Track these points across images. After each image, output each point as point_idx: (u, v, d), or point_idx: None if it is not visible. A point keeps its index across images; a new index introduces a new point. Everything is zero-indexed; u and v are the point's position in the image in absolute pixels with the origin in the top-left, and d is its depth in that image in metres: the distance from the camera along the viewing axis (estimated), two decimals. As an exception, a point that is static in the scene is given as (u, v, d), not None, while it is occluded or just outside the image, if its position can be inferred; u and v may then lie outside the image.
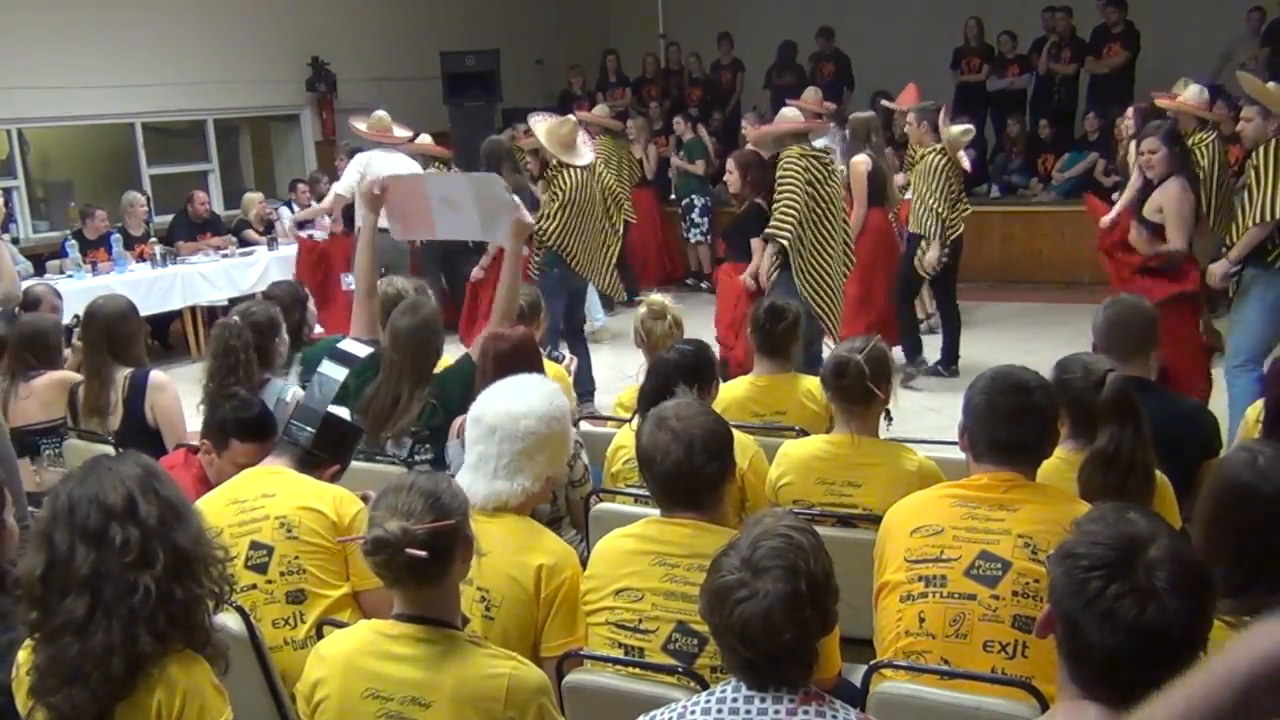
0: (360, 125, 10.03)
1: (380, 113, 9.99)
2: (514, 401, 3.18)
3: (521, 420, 3.13)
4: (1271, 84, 6.37)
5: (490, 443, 3.14)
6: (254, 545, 3.32)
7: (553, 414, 3.20)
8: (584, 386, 8.11)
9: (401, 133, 10.02)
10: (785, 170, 7.21)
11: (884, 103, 10.48)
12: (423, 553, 2.43)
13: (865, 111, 9.44)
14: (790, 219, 7.12)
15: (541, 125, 8.21)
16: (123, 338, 5.09)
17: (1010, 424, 2.99)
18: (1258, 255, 6.14)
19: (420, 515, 2.47)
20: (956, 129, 8.46)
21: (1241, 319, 6.26)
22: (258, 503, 3.39)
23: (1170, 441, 3.79)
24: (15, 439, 5.14)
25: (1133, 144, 7.97)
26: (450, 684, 2.45)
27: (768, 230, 7.21)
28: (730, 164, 7.75)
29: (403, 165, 9.66)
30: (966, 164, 8.70)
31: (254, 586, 3.28)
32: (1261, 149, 6.13)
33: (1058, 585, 1.90)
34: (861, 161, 8.52)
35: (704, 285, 12.45)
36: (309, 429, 3.67)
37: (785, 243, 7.14)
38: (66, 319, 6.51)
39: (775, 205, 7.21)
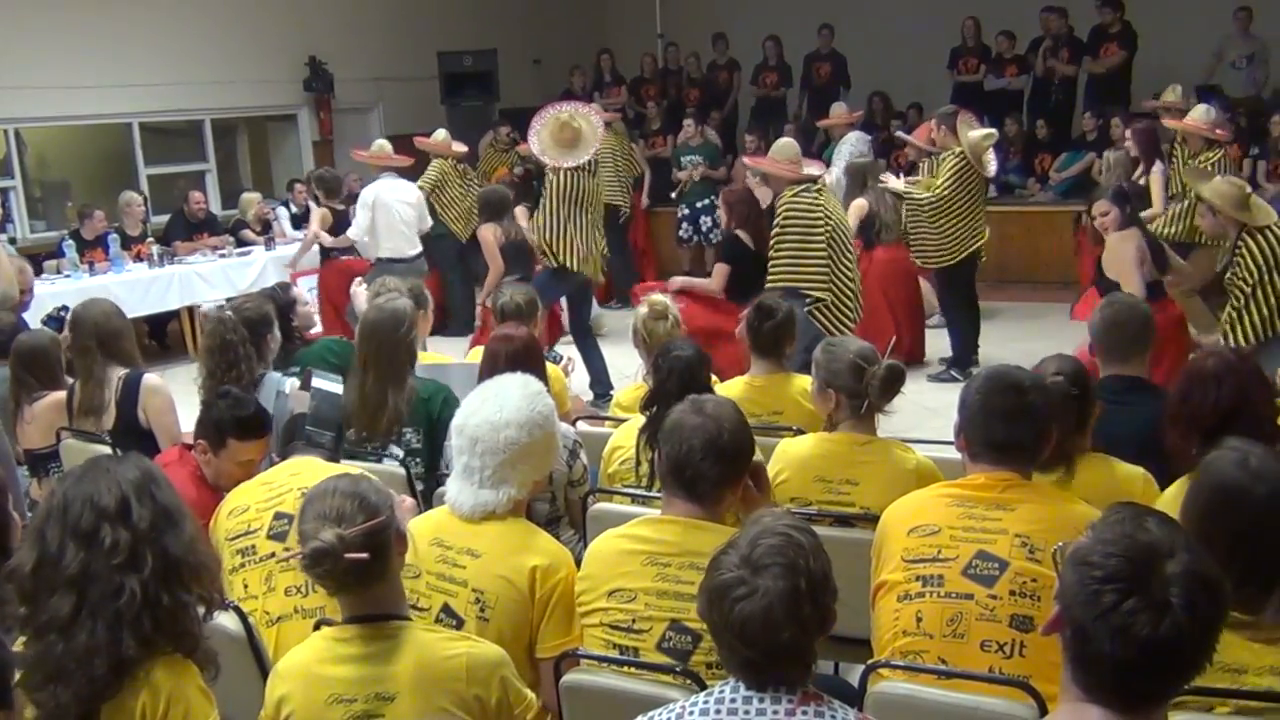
0: (362, 154, 10.12)
1: (380, 141, 10.06)
2: (495, 411, 3.15)
3: (502, 431, 3.11)
4: (1215, 179, 6.41)
5: (473, 454, 3.13)
6: (277, 515, 3.41)
7: (534, 421, 3.17)
8: (603, 386, 8.15)
9: (400, 159, 10.10)
10: (786, 216, 7.24)
11: (897, 135, 10.66)
12: (365, 555, 2.44)
13: (860, 159, 9.58)
14: (807, 264, 7.16)
15: (543, 133, 8.14)
16: (111, 334, 5.03)
17: (1006, 424, 2.99)
18: None
19: (351, 517, 2.48)
20: (977, 133, 8.50)
21: None
22: (285, 480, 3.53)
23: (1164, 441, 3.81)
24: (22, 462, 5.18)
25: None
26: (410, 672, 2.48)
27: (776, 283, 7.13)
28: (719, 200, 8.02)
29: (406, 192, 9.72)
30: (991, 169, 8.73)
31: (272, 555, 3.35)
32: (1241, 260, 6.01)
33: (1069, 591, 1.87)
34: (859, 206, 8.77)
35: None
36: (329, 433, 3.79)
37: (811, 290, 7.15)
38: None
39: (778, 252, 7.23)
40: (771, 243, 7.30)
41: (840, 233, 7.39)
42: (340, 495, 2.52)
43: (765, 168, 7.73)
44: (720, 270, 7.41)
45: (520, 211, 9.52)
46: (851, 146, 11.12)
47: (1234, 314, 6.00)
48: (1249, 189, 6.27)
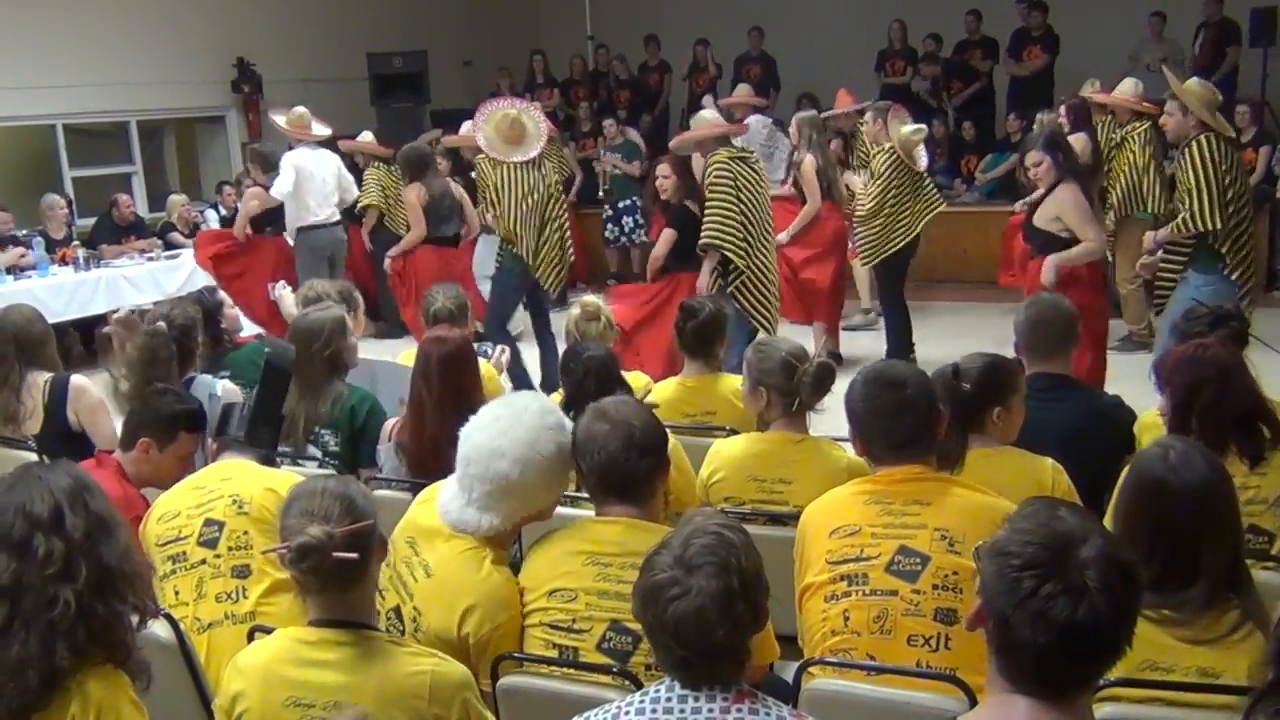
0: (280, 119, 9.99)
1: (299, 109, 9.94)
2: (494, 437, 2.99)
3: (494, 461, 2.94)
4: (1193, 80, 6.46)
5: (465, 473, 3.01)
6: (207, 522, 3.38)
7: (529, 459, 2.95)
8: (551, 380, 8.10)
9: (319, 130, 9.97)
10: (718, 176, 7.18)
11: (822, 115, 10.68)
12: (354, 554, 2.42)
13: (806, 111, 9.59)
14: (729, 226, 7.12)
15: (486, 127, 8.07)
16: (34, 341, 4.96)
17: (895, 420, 3.05)
18: (1206, 261, 6.25)
19: (339, 518, 2.46)
20: (907, 129, 8.62)
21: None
22: (217, 485, 3.48)
23: (1090, 437, 3.88)
24: None
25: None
26: (373, 685, 2.45)
27: (705, 240, 7.14)
28: (664, 168, 7.49)
29: (329, 163, 9.68)
30: (922, 163, 8.86)
31: (203, 562, 3.33)
32: (1188, 152, 6.24)
33: (989, 583, 1.92)
34: (809, 162, 8.74)
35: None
36: (268, 430, 3.79)
37: (729, 251, 7.14)
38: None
39: (708, 213, 7.15)
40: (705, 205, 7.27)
41: (763, 213, 7.39)
42: (329, 496, 2.50)
43: (691, 136, 7.67)
44: (667, 236, 7.29)
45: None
46: (753, 133, 10.88)
47: (1186, 208, 6.22)
48: (1219, 95, 6.43)
